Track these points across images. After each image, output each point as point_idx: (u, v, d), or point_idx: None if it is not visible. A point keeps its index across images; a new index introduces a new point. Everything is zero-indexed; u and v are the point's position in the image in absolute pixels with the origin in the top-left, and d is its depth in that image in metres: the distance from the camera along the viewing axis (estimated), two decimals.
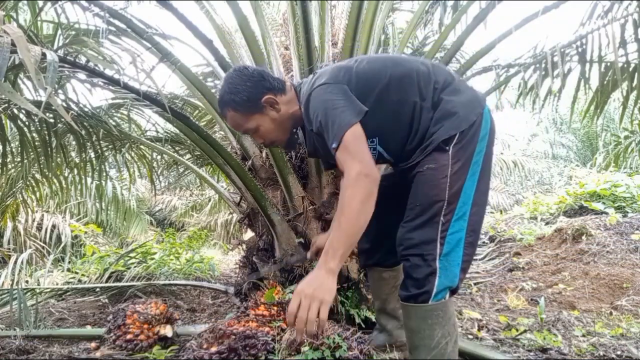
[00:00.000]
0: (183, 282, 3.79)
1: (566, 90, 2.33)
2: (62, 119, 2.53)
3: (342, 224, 1.14)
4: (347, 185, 1.16)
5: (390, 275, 1.63)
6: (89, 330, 2.44)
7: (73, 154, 3.10)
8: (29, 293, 3.12)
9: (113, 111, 2.98)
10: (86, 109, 2.43)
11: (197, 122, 2.85)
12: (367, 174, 1.15)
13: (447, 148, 1.26)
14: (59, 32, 2.13)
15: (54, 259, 4.13)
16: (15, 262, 3.44)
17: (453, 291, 1.25)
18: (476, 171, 1.27)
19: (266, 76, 1.40)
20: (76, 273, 3.84)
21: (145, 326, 1.96)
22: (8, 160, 2.93)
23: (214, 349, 1.56)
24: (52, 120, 2.59)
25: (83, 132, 2.66)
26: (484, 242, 5.76)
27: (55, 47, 2.04)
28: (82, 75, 1.98)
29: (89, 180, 3.57)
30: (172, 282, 3.70)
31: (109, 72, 1.98)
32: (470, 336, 2.26)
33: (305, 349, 1.45)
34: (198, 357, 1.53)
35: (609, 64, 2.26)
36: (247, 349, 1.52)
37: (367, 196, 1.14)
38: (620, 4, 2.11)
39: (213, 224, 9.55)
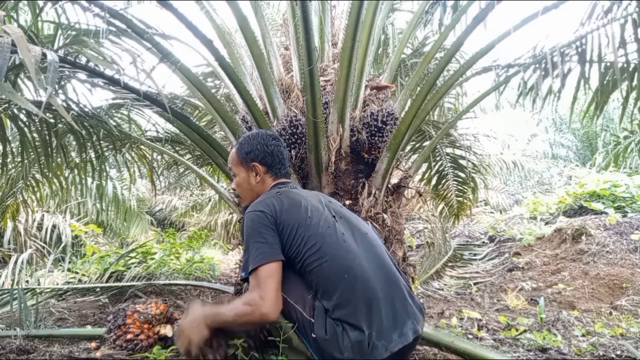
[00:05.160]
0: (183, 282, 3.79)
1: (566, 90, 2.33)
2: (63, 119, 2.53)
3: (228, 317, 1.39)
4: (242, 303, 1.38)
5: None
6: (89, 330, 2.44)
7: (73, 154, 3.10)
8: (29, 293, 3.12)
9: (113, 111, 2.98)
10: (86, 109, 2.44)
11: (197, 122, 2.86)
12: (262, 313, 1.34)
13: None
14: (59, 32, 2.12)
15: (54, 259, 4.13)
16: (16, 262, 3.44)
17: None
18: None
19: (277, 156, 1.68)
20: (76, 273, 3.84)
21: (146, 326, 1.96)
22: (8, 160, 2.93)
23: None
24: (52, 121, 2.59)
25: (83, 132, 2.66)
26: (483, 242, 5.76)
27: (55, 47, 2.04)
28: (82, 75, 1.98)
29: (89, 180, 3.57)
30: (172, 282, 3.71)
31: (109, 72, 1.98)
32: (470, 336, 2.26)
33: None
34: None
35: (608, 64, 2.26)
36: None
37: (246, 324, 1.41)
38: (620, 4, 2.11)
39: (213, 224, 9.54)
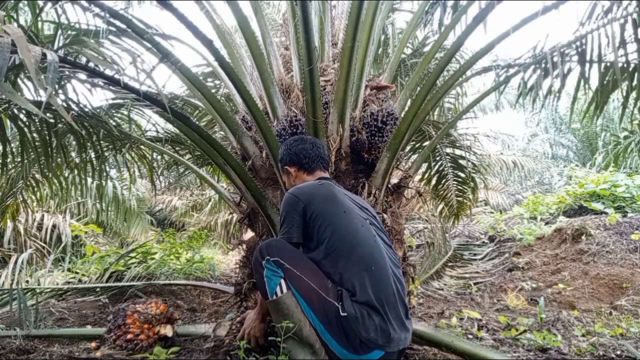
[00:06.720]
0: (183, 282, 3.79)
1: (566, 90, 2.32)
2: (63, 119, 2.53)
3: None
4: None
5: None
6: (89, 330, 2.44)
7: (73, 154, 3.10)
8: (29, 293, 3.13)
9: (113, 111, 2.98)
10: (86, 109, 2.43)
11: (197, 122, 2.85)
12: None
13: None
14: (59, 32, 2.12)
15: (54, 259, 4.13)
16: (16, 262, 3.44)
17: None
18: None
19: (301, 154, 1.89)
20: (76, 273, 3.85)
21: (146, 326, 1.96)
22: (8, 160, 2.93)
23: None
24: (52, 121, 2.59)
25: (83, 132, 2.66)
26: (483, 242, 5.76)
27: (55, 47, 2.03)
28: (82, 75, 1.97)
29: (89, 180, 3.56)
30: (172, 282, 3.71)
31: (109, 72, 1.98)
32: (470, 336, 2.26)
33: None
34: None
35: (608, 64, 2.26)
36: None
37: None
38: (620, 4, 2.11)
39: (213, 224, 9.55)
